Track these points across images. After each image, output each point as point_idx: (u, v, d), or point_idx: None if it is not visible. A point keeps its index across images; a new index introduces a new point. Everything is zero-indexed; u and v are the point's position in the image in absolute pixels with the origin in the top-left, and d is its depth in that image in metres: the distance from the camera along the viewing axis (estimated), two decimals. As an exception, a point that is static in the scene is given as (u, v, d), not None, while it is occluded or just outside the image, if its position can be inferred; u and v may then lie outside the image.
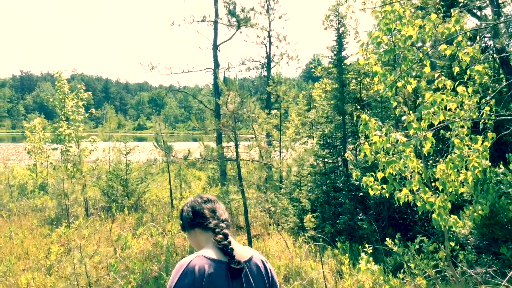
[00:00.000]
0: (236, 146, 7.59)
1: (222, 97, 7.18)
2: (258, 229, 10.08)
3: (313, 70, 14.74)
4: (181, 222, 2.12)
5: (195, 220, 2.02)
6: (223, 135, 11.15)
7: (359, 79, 11.50)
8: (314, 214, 9.63)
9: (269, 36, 20.39)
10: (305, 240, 8.67)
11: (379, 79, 4.62)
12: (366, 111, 9.58)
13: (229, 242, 1.89)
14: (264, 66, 21.50)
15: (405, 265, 6.35)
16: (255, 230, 10.03)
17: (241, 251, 1.96)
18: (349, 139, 11.24)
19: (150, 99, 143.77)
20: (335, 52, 11.06)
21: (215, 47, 15.31)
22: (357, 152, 11.33)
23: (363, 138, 4.70)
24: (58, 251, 7.19)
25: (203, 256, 1.83)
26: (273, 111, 14.98)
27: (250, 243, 7.81)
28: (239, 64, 21.82)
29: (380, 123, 4.62)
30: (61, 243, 8.13)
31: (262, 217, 10.64)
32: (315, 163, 11.14)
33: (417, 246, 6.12)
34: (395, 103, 4.77)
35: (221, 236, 1.91)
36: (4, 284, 6.22)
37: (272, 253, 7.97)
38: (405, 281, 6.18)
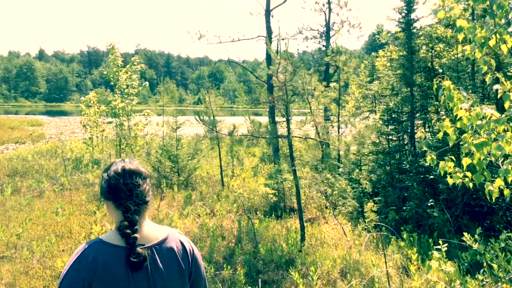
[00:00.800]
0: (288, 122, 6.75)
1: (272, 66, 6.33)
2: (313, 212, 9.27)
3: (377, 37, 13.40)
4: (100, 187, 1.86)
5: (109, 193, 1.72)
6: (275, 110, 10.32)
7: (430, 45, 10.11)
8: (375, 198, 8.64)
9: (329, 2, 18.91)
10: (365, 227, 7.73)
11: (465, 35, 3.55)
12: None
13: (134, 231, 1.64)
14: (323, 35, 20.08)
15: (485, 264, 5.31)
16: (310, 213, 9.23)
17: (152, 232, 1.74)
18: (418, 114, 9.99)
19: (209, 73, 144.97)
20: (403, 14, 9.73)
21: (268, 12, 14.33)
22: (429, 129, 10.06)
23: (443, 112, 3.68)
24: (100, 232, 6.82)
25: (103, 242, 1.65)
26: (332, 84, 13.84)
27: (302, 229, 7.04)
28: (295, 33, 20.54)
29: (465, 93, 3.58)
30: (103, 223, 7.81)
31: (318, 198, 9.78)
32: (378, 141, 10.06)
33: (502, 244, 5.06)
34: (485, 68, 3.66)
35: (125, 222, 1.64)
36: (42, 266, 5.93)
37: (327, 240, 7.14)
38: (484, 282, 5.16)
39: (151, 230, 1.74)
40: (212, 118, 9.44)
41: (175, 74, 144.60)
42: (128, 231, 1.63)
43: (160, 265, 1.68)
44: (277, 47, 7.15)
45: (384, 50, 15.73)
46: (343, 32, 23.00)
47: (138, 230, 1.66)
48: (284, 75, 6.09)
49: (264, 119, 9.39)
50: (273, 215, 8.71)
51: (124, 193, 1.69)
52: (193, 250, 1.86)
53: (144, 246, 1.66)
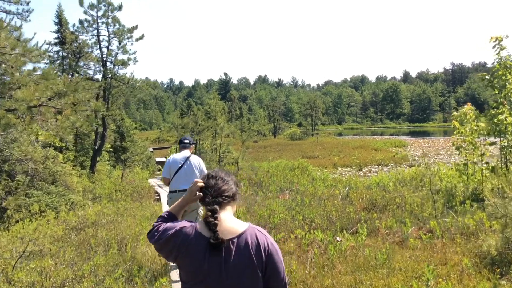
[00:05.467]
0: None
1: None
2: None
3: None
4: None
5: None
6: None
7: None
8: None
9: None
10: None
11: None
12: None
13: (215, 218, 1.96)
14: None
15: None
16: None
17: (232, 226, 2.00)
18: None
19: None
20: None
21: None
22: None
23: None
24: None
25: (195, 227, 1.99)
26: None
27: None
28: None
29: None
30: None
31: None
32: None
33: None
34: None
35: (208, 212, 2.01)
36: None
37: None
38: None
39: (231, 224, 2.00)
40: None
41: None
42: (210, 218, 1.97)
43: (234, 257, 1.91)
44: None
45: None
46: None
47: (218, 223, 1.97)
48: None
49: None
50: None
51: (207, 190, 2.13)
52: (268, 246, 1.97)
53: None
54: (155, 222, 2.16)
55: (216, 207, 2.02)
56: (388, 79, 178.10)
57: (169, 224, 2.07)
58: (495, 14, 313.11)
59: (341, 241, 7.27)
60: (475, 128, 11.32)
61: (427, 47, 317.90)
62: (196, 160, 6.18)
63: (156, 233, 2.07)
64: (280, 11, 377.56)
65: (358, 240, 7.31)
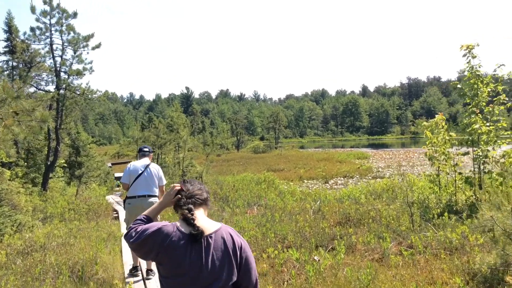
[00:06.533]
0: None
1: None
2: None
3: None
4: None
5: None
6: None
7: None
8: None
9: None
10: None
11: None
12: None
13: (192, 214, 2.15)
14: None
15: None
16: None
17: (208, 224, 2.19)
18: None
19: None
20: None
21: None
22: None
23: None
24: None
25: (175, 225, 2.15)
26: None
27: None
28: None
29: None
30: None
31: None
32: None
33: None
34: None
35: (185, 210, 2.19)
36: None
37: None
38: None
39: (206, 223, 2.20)
40: None
41: None
42: (188, 214, 2.16)
43: (212, 251, 2.09)
44: None
45: None
46: None
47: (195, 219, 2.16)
48: None
49: None
50: None
51: (184, 194, 2.36)
52: (241, 243, 2.19)
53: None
54: (132, 224, 2.30)
55: (191, 206, 2.22)
56: (347, 93, 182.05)
57: (148, 225, 2.20)
58: (451, 27, 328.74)
59: (319, 260, 6.65)
60: (448, 138, 11.11)
61: (384, 62, 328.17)
62: (155, 168, 6.38)
63: (134, 233, 2.18)
64: (241, 25, 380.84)
65: (336, 259, 6.73)
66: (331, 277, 6.12)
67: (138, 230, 2.18)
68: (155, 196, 6.17)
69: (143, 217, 2.36)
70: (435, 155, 11.35)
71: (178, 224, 2.15)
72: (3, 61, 18.80)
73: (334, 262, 6.62)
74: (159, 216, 2.45)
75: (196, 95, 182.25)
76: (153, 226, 2.16)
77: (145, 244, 2.12)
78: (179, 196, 2.33)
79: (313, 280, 5.92)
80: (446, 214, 8.73)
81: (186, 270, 2.04)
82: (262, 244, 7.87)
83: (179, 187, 2.37)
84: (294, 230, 8.71)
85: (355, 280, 5.81)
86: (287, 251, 7.22)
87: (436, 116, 11.61)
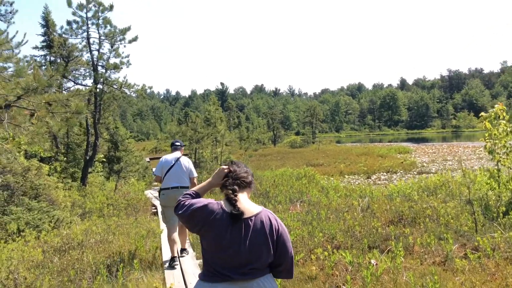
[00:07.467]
0: None
1: None
2: None
3: None
4: None
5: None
6: None
7: None
8: None
9: None
10: None
11: None
12: None
13: (235, 195, 2.29)
14: None
15: None
16: None
17: (249, 207, 2.31)
18: None
19: None
20: None
21: None
22: None
23: None
24: None
25: (220, 204, 2.29)
26: None
27: None
28: None
29: None
30: None
31: None
32: None
33: None
34: None
35: (229, 190, 2.33)
36: None
37: None
38: None
39: (248, 205, 2.31)
40: None
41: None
42: (231, 195, 2.30)
43: (251, 233, 2.21)
44: None
45: None
46: None
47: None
48: None
49: None
50: None
51: (230, 175, 2.48)
52: (279, 227, 2.30)
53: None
54: (182, 197, 2.45)
55: (236, 187, 2.36)
56: (385, 86, 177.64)
57: (195, 200, 2.37)
58: (489, 19, 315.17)
59: (376, 264, 5.99)
60: (509, 129, 10.12)
61: (423, 54, 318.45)
62: (185, 161, 6.65)
63: (182, 206, 2.35)
64: (277, 19, 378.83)
65: (394, 262, 6.06)
66: (390, 283, 5.49)
67: (186, 203, 2.34)
68: (186, 187, 6.41)
69: (192, 192, 2.49)
70: (495, 148, 10.37)
71: (222, 203, 2.30)
72: (41, 55, 18.95)
73: (392, 265, 5.95)
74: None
75: (231, 90, 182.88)
76: (200, 202, 2.32)
77: (192, 218, 2.28)
78: (227, 177, 2.44)
79: (370, 287, 5.31)
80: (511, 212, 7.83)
81: (226, 246, 2.17)
82: (309, 244, 7.27)
83: (228, 170, 2.48)
84: (342, 229, 8.06)
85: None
86: (337, 252, 6.61)
87: (496, 106, 10.61)
